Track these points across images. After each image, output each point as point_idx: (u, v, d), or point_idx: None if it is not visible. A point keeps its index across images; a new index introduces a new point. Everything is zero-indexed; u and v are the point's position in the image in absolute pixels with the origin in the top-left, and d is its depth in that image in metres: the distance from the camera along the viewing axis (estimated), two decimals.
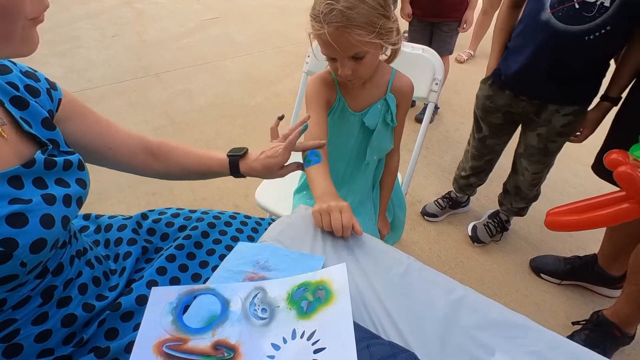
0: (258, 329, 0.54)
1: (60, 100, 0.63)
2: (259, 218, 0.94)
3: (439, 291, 0.62)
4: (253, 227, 0.89)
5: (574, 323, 1.33)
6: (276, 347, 0.52)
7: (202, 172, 0.83)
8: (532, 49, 1.15)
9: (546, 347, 0.54)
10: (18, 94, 0.56)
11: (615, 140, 1.17)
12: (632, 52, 1.09)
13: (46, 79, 0.63)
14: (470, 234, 1.67)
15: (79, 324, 0.60)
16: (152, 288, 0.60)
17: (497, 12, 3.11)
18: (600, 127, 1.23)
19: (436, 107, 2.46)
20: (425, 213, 1.76)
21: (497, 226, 1.64)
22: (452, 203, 1.76)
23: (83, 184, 0.60)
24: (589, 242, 1.66)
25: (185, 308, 0.57)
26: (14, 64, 0.59)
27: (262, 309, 0.57)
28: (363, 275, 0.64)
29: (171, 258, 0.74)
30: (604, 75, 1.18)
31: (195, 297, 0.59)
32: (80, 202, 0.58)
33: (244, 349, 0.52)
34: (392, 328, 0.57)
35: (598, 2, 1.00)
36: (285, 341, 0.53)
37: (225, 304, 0.57)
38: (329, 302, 0.57)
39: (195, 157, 0.82)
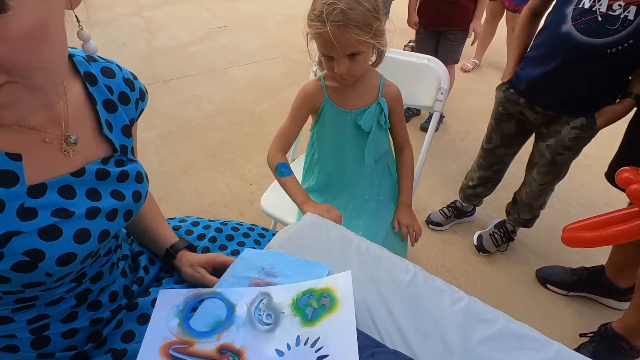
0: (263, 334, 0.55)
1: (142, 110, 0.64)
2: (263, 229, 0.92)
3: (445, 300, 0.61)
4: (256, 240, 0.88)
5: (581, 335, 1.31)
6: (280, 353, 0.52)
7: (146, 229, 0.75)
8: (552, 60, 1.13)
9: (552, 359, 0.54)
10: (112, 97, 0.57)
11: (629, 150, 1.16)
12: None
13: (140, 89, 0.63)
14: (475, 243, 1.66)
15: (102, 324, 0.62)
16: (160, 291, 0.61)
17: (501, 20, 3.11)
18: (611, 137, 1.21)
19: (441, 116, 2.44)
20: (430, 222, 1.76)
21: (504, 236, 1.62)
22: (458, 212, 1.75)
23: (138, 197, 0.58)
24: (596, 253, 1.64)
25: (192, 312, 0.58)
26: (120, 69, 0.60)
27: (267, 314, 0.57)
28: (368, 283, 0.64)
29: None
30: (622, 91, 1.14)
31: (201, 301, 0.59)
32: (129, 215, 0.57)
33: (249, 353, 0.52)
34: (398, 337, 0.57)
35: (622, 16, 0.99)
36: (289, 347, 0.53)
37: (230, 308, 0.58)
38: (333, 309, 0.57)
39: (159, 218, 0.77)
